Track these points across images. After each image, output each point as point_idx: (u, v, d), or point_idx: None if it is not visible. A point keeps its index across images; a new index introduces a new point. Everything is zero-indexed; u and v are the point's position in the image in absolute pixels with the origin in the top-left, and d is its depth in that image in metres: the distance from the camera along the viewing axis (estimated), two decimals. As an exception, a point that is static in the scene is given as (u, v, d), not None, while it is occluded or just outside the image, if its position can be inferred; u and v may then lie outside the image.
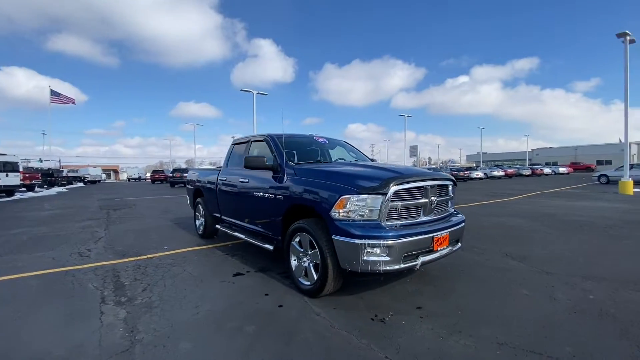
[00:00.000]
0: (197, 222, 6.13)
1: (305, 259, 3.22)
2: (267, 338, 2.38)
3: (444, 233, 3.06)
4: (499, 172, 34.67)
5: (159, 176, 36.80)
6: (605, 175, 21.14)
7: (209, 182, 5.48)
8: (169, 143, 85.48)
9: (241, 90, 22.10)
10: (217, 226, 5.26)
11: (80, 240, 5.84)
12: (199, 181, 6.02)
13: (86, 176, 39.16)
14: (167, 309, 2.90)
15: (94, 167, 46.57)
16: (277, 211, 3.59)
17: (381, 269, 2.67)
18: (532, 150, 61.82)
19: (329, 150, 4.80)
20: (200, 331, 2.50)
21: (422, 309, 2.84)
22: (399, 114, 34.69)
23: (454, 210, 3.69)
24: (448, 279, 3.61)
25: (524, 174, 38.30)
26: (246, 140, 4.91)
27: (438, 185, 3.25)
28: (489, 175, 33.86)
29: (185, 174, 25.98)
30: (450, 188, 3.50)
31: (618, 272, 3.72)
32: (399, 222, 2.88)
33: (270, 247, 3.77)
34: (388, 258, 2.67)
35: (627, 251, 4.67)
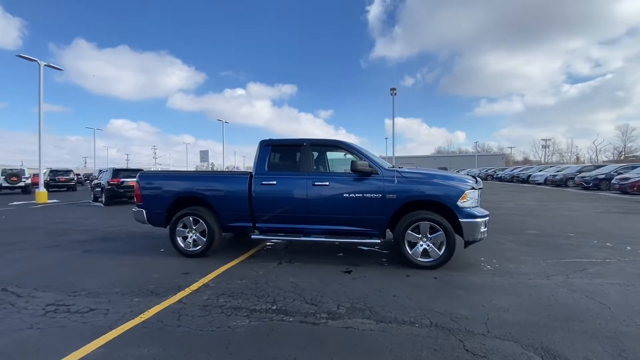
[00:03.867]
0: (182, 240, 4.82)
1: (421, 244, 4.18)
2: (490, 292, 3.38)
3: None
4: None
5: None
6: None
7: (231, 189, 4.69)
8: None
9: (18, 56, 14.50)
10: (254, 236, 4.62)
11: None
12: (192, 188, 4.83)
13: None
14: (393, 310, 3.07)
15: None
16: (387, 209, 4.23)
17: (485, 237, 4.24)
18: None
19: None
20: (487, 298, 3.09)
21: (497, 263, 4.60)
22: (217, 119, 34.21)
23: None
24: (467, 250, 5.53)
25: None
26: (296, 143, 4.80)
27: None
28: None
29: None
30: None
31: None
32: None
33: (378, 241, 4.31)
34: (485, 229, 4.27)
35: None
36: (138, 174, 5.25)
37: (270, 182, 4.58)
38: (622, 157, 52.32)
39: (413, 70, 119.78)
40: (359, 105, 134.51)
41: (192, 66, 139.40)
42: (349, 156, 5.42)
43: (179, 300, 3.22)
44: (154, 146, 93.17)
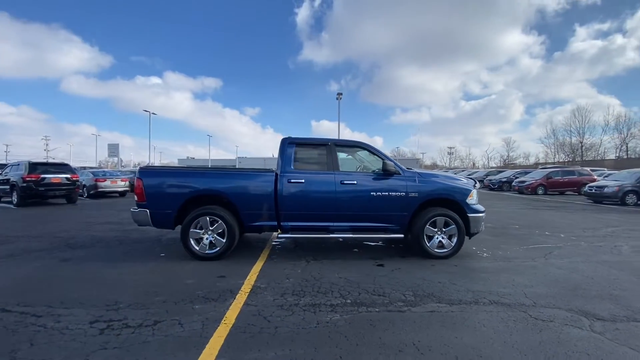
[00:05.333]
0: (196, 243, 4.44)
1: (437, 236, 4.73)
2: (506, 274, 4.06)
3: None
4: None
5: None
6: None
7: (257, 187, 4.53)
8: None
9: None
10: (281, 235, 4.53)
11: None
12: (213, 186, 4.52)
13: None
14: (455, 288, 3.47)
15: None
16: (409, 206, 4.66)
17: (484, 229, 5.02)
18: (237, 158, 75.50)
19: None
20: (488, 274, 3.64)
21: (488, 251, 5.42)
22: (144, 109, 30.49)
23: None
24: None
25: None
26: (320, 142, 4.88)
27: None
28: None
29: None
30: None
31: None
32: (473, 204, 5.30)
33: (401, 235, 4.70)
34: (484, 223, 5.05)
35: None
36: (139, 169, 4.62)
37: (299, 180, 4.58)
38: (506, 164, 64.04)
39: (338, 77, 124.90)
40: (286, 106, 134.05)
41: (95, 46, 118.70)
42: (349, 156, 5.73)
43: (246, 303, 3.07)
44: (45, 136, 76.72)
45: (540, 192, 18.78)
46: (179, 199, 4.45)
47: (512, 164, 64.50)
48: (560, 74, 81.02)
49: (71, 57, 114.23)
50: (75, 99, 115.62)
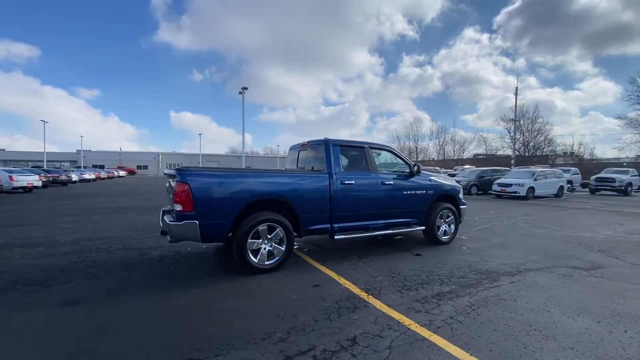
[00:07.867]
0: (254, 253, 3.91)
1: (443, 226, 5.76)
2: (497, 249, 5.39)
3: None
4: (90, 175, 31.86)
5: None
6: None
7: (315, 189, 4.37)
8: None
9: None
10: (337, 236, 4.46)
11: None
12: (274, 189, 4.07)
13: None
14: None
15: None
16: (427, 202, 5.49)
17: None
18: (82, 151, 59.41)
19: None
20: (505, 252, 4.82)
21: (461, 235, 6.80)
22: None
23: None
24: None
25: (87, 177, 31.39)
26: (358, 145, 5.06)
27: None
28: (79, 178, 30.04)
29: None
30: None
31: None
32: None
33: (423, 228, 5.44)
34: (463, 213, 6.43)
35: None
36: (178, 170, 3.59)
37: (350, 182, 4.67)
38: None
39: (202, 66, 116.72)
40: (137, 91, 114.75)
41: None
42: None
43: (387, 305, 3.13)
44: None
45: (411, 186, 23.64)
46: (237, 206, 3.78)
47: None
48: (393, 91, 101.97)
49: None
50: None
